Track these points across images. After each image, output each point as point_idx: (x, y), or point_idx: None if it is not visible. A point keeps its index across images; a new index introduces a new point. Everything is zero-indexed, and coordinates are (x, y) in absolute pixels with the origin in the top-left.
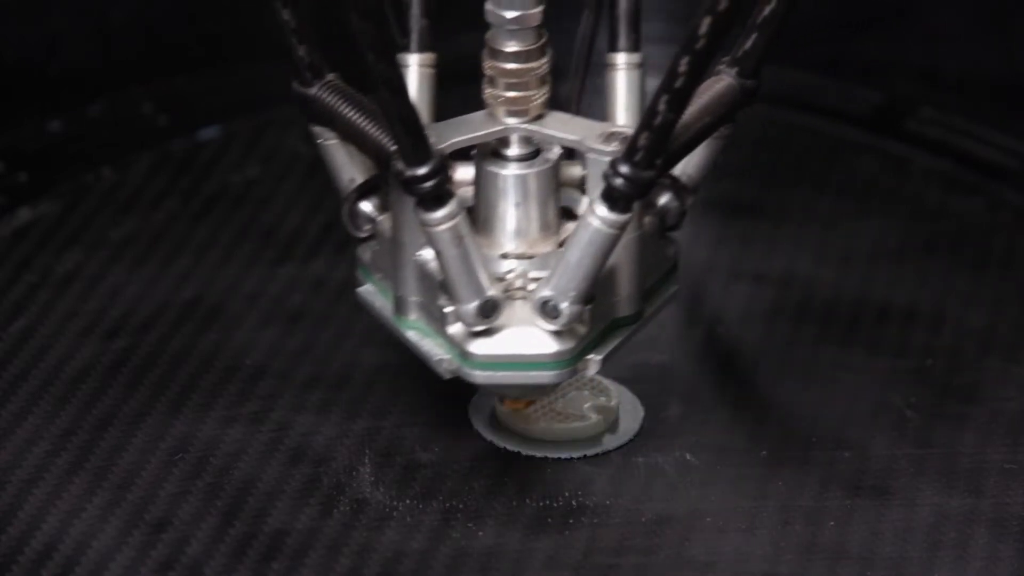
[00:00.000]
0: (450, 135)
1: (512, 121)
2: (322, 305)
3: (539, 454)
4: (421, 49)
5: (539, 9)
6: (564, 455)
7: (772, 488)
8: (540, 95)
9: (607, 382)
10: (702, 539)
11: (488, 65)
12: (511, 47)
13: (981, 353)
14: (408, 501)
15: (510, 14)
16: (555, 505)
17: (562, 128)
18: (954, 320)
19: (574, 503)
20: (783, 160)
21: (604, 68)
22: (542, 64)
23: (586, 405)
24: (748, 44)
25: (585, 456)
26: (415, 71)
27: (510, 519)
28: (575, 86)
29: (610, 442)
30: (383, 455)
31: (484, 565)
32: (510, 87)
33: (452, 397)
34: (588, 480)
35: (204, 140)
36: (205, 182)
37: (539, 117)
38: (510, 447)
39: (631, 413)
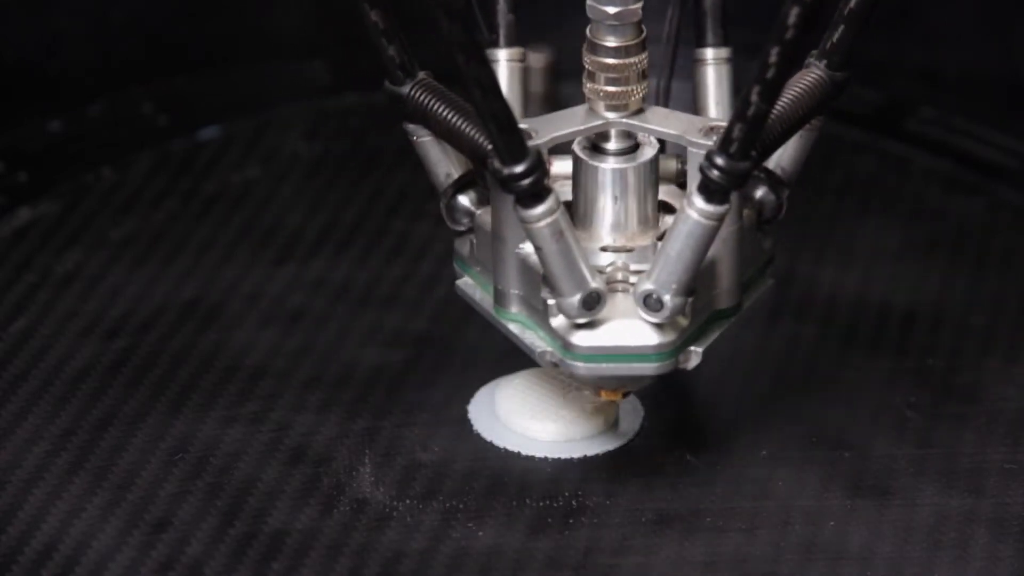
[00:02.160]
0: (550, 130)
1: (612, 115)
2: (322, 305)
3: (539, 454)
4: (509, 44)
5: (639, 5)
6: (564, 455)
7: (772, 488)
8: (640, 89)
9: None
10: (702, 539)
11: (588, 60)
12: (611, 42)
13: (981, 353)
14: (408, 501)
15: (611, 9)
16: (555, 505)
17: (662, 122)
18: (954, 320)
19: (574, 503)
20: None
21: (693, 64)
22: (642, 59)
23: (586, 405)
24: (836, 36)
25: (585, 456)
26: (504, 66)
27: (510, 519)
28: (662, 82)
29: (610, 442)
30: (383, 455)
31: (484, 565)
32: (610, 81)
33: (452, 397)
34: (588, 480)
35: (204, 140)
36: (205, 182)
37: (639, 111)
38: (510, 447)
39: (631, 413)
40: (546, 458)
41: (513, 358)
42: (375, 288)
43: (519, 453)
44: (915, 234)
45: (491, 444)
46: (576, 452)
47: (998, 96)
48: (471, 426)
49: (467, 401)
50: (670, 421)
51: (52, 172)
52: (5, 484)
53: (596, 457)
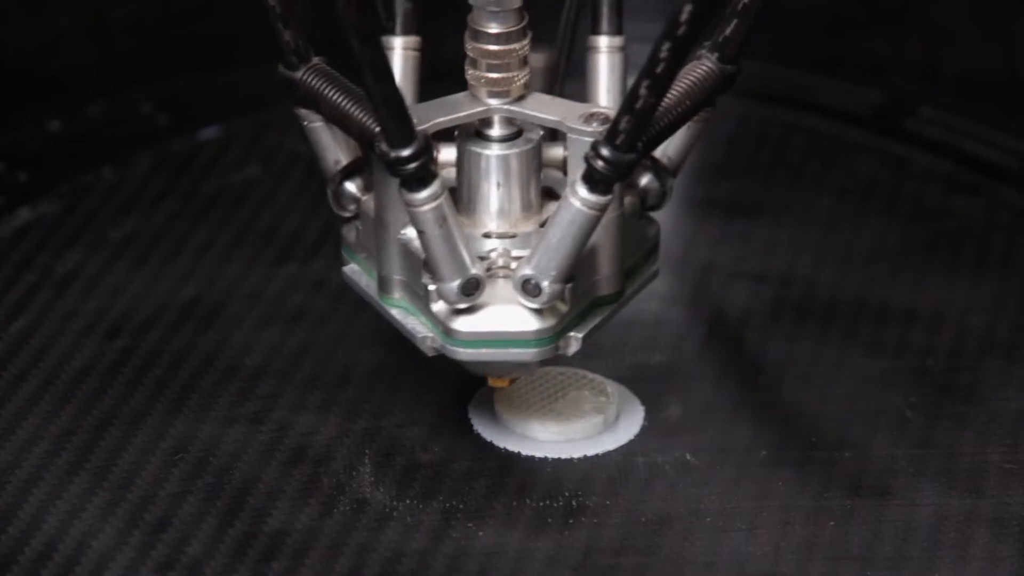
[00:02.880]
0: (432, 116)
1: (494, 102)
2: (322, 305)
3: (539, 454)
4: (405, 32)
5: None
6: (564, 455)
7: (772, 488)
8: (521, 76)
9: (607, 382)
10: (702, 539)
11: (470, 46)
12: (493, 28)
13: (981, 353)
14: (408, 501)
15: None
16: (555, 505)
17: (543, 109)
18: (954, 320)
19: (574, 503)
20: (783, 160)
21: (586, 51)
22: (523, 45)
23: (586, 405)
24: (728, 30)
25: (585, 456)
26: (399, 54)
27: (510, 519)
28: (557, 68)
29: (610, 442)
30: (383, 455)
31: (484, 565)
32: (491, 68)
33: (452, 397)
34: (588, 480)
35: (204, 140)
36: (205, 182)
37: (521, 98)
38: (510, 447)
39: (631, 413)
40: (546, 458)
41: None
42: None
43: (519, 453)
44: (915, 234)
45: (491, 444)
46: (576, 452)
47: (998, 96)
48: (471, 426)
49: (467, 401)
50: (670, 421)
51: (52, 172)
52: (5, 484)
53: (596, 457)
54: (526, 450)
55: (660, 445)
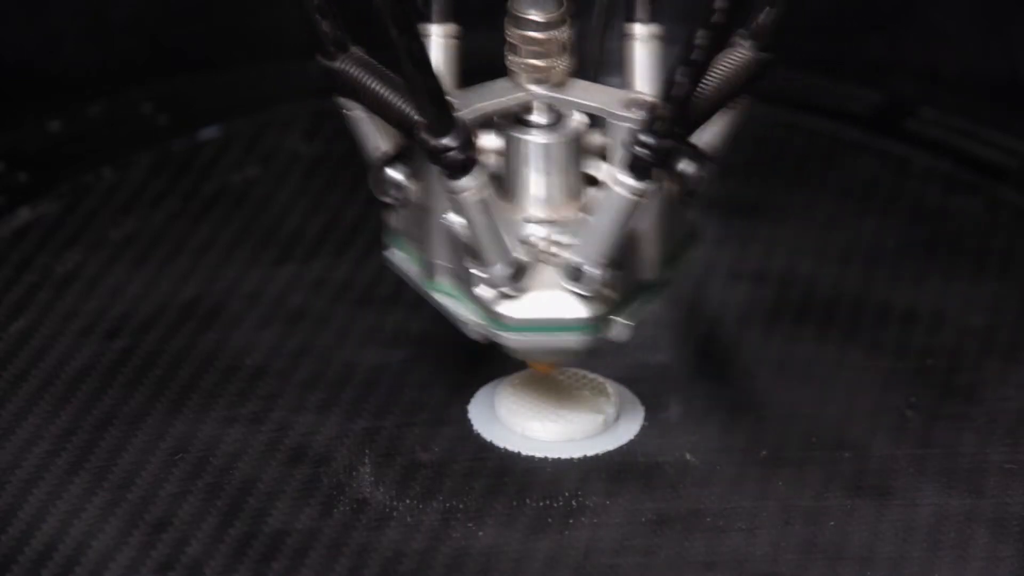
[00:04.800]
0: (473, 102)
1: (535, 88)
2: (322, 305)
3: (539, 454)
4: (443, 20)
5: None
6: (564, 455)
7: (772, 488)
8: (562, 62)
9: (607, 382)
10: (702, 539)
11: (510, 32)
12: (534, 15)
13: (981, 353)
14: (408, 501)
15: None
16: (555, 505)
17: (584, 95)
18: (954, 320)
19: (574, 503)
20: (783, 160)
21: (622, 38)
22: (564, 31)
23: (586, 405)
24: (763, 17)
25: (585, 456)
26: (437, 42)
27: (510, 519)
28: (593, 55)
29: (610, 442)
30: (383, 455)
31: (484, 565)
32: (533, 55)
33: (452, 397)
34: (588, 480)
35: (204, 140)
36: (205, 182)
37: (561, 84)
38: (510, 447)
39: (631, 413)
40: (546, 458)
41: (513, 359)
42: (375, 288)
43: (519, 453)
44: (915, 234)
45: (491, 444)
46: (576, 452)
47: (998, 96)
48: (471, 426)
49: (467, 401)
50: (670, 421)
51: (52, 172)
52: (5, 484)
53: (596, 457)
54: (526, 450)
55: (660, 445)
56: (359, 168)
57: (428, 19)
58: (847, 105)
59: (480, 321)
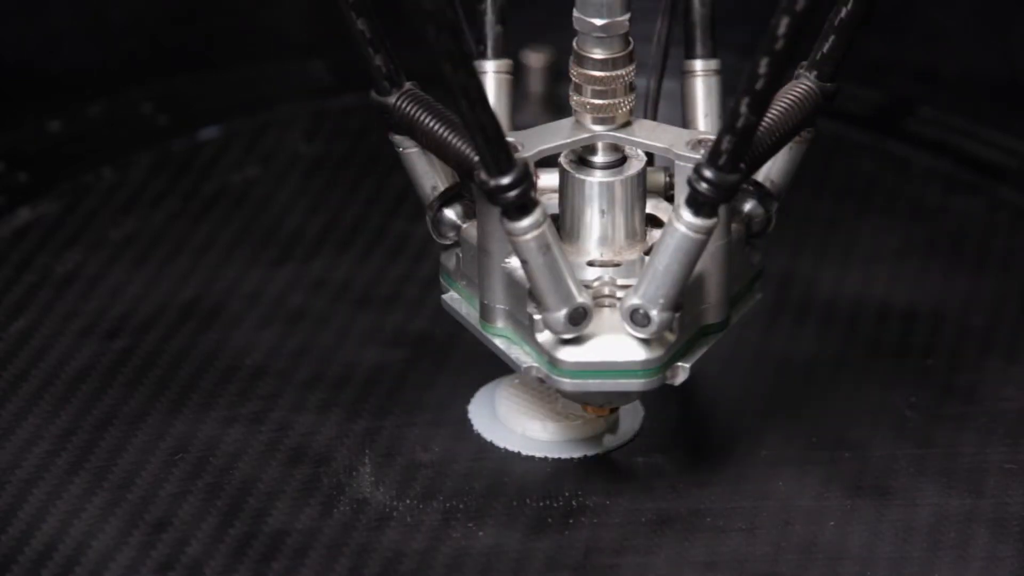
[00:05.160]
0: (537, 143)
1: (599, 128)
2: (322, 305)
3: (539, 454)
4: (497, 56)
5: (626, 16)
6: (564, 455)
7: (772, 488)
8: (627, 102)
9: None
10: (702, 539)
11: (575, 72)
12: (598, 54)
13: (981, 353)
14: (408, 501)
15: (598, 21)
16: (555, 505)
17: (649, 135)
18: (954, 320)
19: (574, 503)
20: None
21: (681, 75)
22: (629, 71)
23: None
24: (826, 47)
25: (585, 456)
26: (492, 78)
27: (510, 519)
28: (651, 93)
29: (610, 442)
30: (383, 455)
31: (484, 565)
32: (597, 94)
33: (452, 397)
34: (588, 480)
35: (204, 140)
36: (205, 182)
37: (626, 124)
38: (510, 447)
39: (631, 413)
40: (546, 458)
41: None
42: (375, 288)
43: (519, 453)
44: (915, 234)
45: (491, 444)
46: (576, 452)
47: (998, 96)
48: (471, 426)
49: (467, 401)
50: (670, 421)
51: (52, 172)
52: (5, 484)
53: (596, 457)
54: (526, 450)
55: (660, 445)
56: (359, 168)
57: (482, 55)
58: (847, 105)
59: (539, 365)
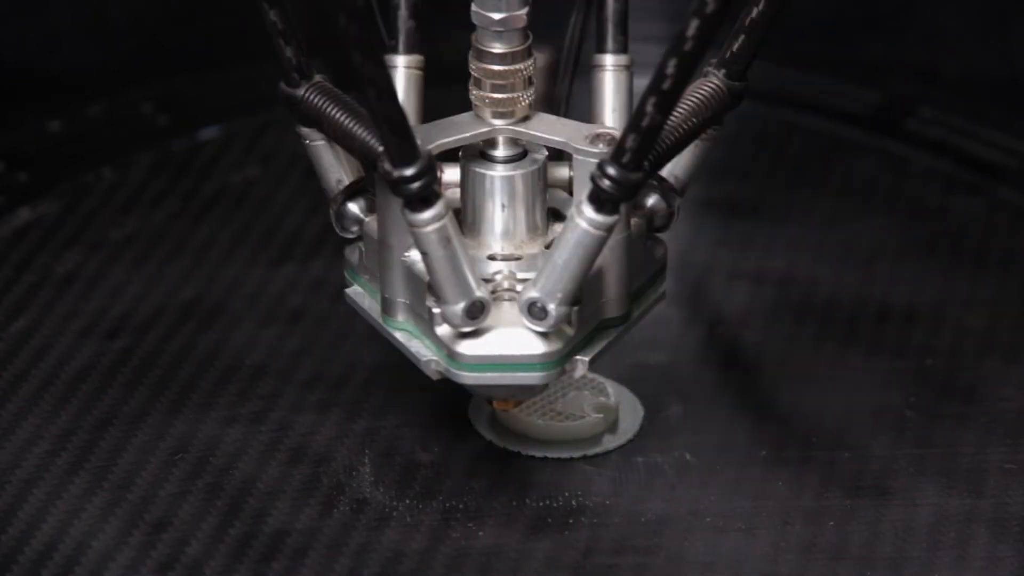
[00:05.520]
0: (437, 136)
1: (499, 122)
2: (322, 305)
3: (539, 454)
4: (408, 51)
5: (525, 11)
6: (564, 455)
7: (772, 488)
8: (526, 96)
9: (607, 382)
10: (702, 539)
11: (474, 66)
12: (497, 48)
13: (981, 353)
14: (408, 501)
15: (496, 15)
16: (555, 505)
17: (548, 129)
18: (954, 320)
19: (574, 503)
20: (783, 160)
21: (591, 69)
22: (528, 65)
23: (586, 405)
24: (736, 46)
25: (585, 456)
26: (402, 73)
27: (510, 519)
28: (562, 88)
29: (610, 442)
30: (383, 455)
31: (484, 565)
32: (496, 88)
33: (452, 397)
34: (588, 480)
35: (204, 140)
36: (205, 182)
37: (526, 118)
38: (510, 447)
39: (631, 413)
40: (546, 458)
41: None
42: None
43: (519, 453)
44: (915, 234)
45: (491, 444)
46: (576, 452)
47: (998, 96)
48: (471, 426)
49: (467, 401)
50: (670, 421)
51: (52, 172)
52: (5, 484)
53: (596, 457)
54: (526, 450)
55: (660, 445)
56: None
57: (394, 49)
58: (847, 105)
59: (438, 359)
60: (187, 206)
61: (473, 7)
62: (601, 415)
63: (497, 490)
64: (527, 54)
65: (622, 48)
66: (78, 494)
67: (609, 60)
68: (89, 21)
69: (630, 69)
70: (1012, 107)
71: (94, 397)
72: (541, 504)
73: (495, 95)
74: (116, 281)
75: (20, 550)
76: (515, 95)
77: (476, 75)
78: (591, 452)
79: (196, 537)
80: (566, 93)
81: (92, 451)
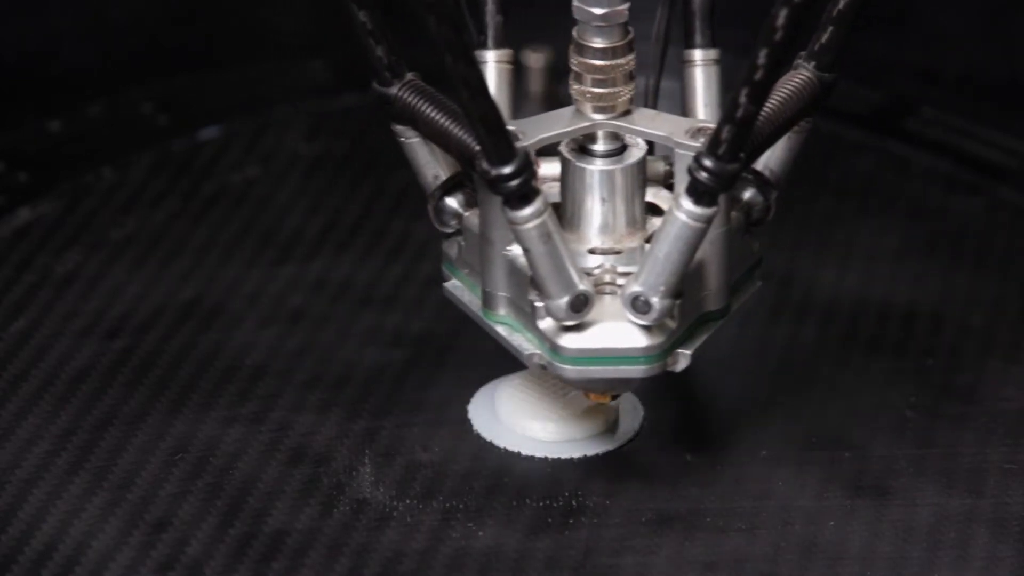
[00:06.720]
0: (537, 132)
1: (599, 117)
2: (322, 305)
3: (539, 454)
4: (498, 46)
5: (626, 6)
6: (564, 455)
7: (772, 488)
8: (627, 91)
9: None
10: (702, 539)
11: (575, 61)
12: (598, 43)
13: (981, 353)
14: (408, 501)
15: (598, 10)
16: (555, 505)
17: (649, 124)
18: (954, 320)
19: (574, 503)
20: None
21: (681, 65)
22: (629, 60)
23: (586, 405)
24: (825, 38)
25: (585, 456)
26: (493, 68)
27: (510, 519)
28: (650, 82)
29: (610, 442)
30: (383, 455)
31: (484, 565)
32: (597, 83)
33: (452, 397)
34: (588, 480)
35: (204, 140)
36: (205, 182)
37: (626, 113)
38: (510, 447)
39: (631, 413)
40: (546, 458)
41: (513, 358)
42: (375, 288)
43: (519, 453)
44: (915, 234)
45: (491, 444)
46: (576, 452)
47: (998, 96)
48: (471, 426)
49: (467, 401)
50: (670, 421)
51: (52, 172)
52: (5, 484)
53: (596, 457)
54: (526, 450)
55: (660, 445)
56: (359, 168)
57: (483, 45)
58: (847, 105)
59: (541, 352)
60: (187, 206)
61: (575, 2)
62: (601, 415)
63: (497, 490)
64: (628, 49)
65: (710, 42)
66: (78, 494)
67: (698, 55)
68: (89, 21)
69: (719, 63)
70: (1012, 107)
71: (94, 397)
72: (541, 504)
73: (596, 90)
74: (116, 281)
75: (20, 550)
76: (616, 90)
77: (577, 70)
78: (591, 452)
79: (196, 537)
80: (655, 90)
81: (92, 451)
